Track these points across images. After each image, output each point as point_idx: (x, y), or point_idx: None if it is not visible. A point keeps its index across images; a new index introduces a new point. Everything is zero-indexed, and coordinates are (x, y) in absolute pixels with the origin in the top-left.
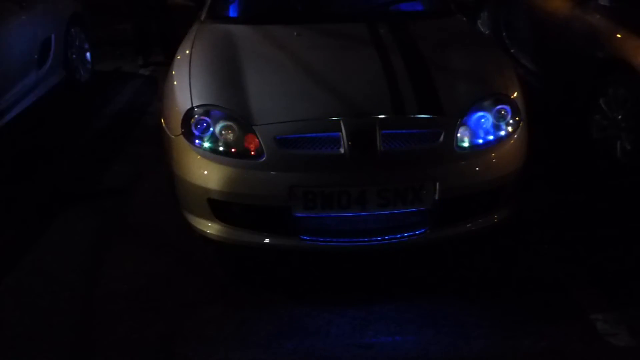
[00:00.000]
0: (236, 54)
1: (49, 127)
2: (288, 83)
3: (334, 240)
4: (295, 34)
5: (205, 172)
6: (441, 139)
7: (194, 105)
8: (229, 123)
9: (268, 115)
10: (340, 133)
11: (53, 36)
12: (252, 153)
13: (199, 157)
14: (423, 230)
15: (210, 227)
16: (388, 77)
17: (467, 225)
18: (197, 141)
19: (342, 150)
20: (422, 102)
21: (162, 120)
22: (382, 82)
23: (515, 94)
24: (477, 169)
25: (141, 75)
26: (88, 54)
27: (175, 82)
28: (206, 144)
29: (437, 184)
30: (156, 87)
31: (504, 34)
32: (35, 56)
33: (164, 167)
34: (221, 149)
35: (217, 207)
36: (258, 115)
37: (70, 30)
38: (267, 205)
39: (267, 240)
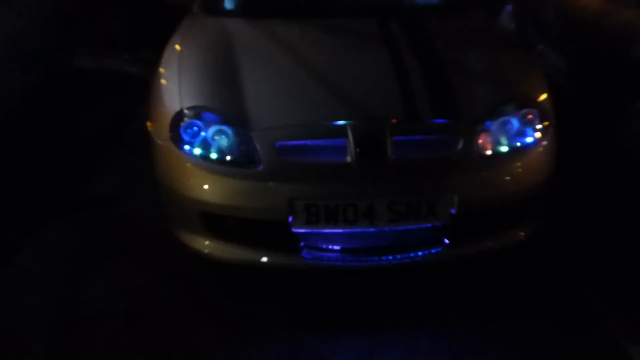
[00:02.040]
0: (231, 50)
1: (27, 131)
2: (289, 84)
3: (339, 259)
4: (297, 29)
5: (196, 182)
6: (459, 146)
7: (183, 107)
8: (222, 127)
9: (266, 119)
10: (346, 139)
11: (29, 29)
12: (249, 161)
13: (188, 165)
14: (439, 248)
15: (202, 244)
16: (400, 77)
17: (489, 243)
18: (186, 147)
19: (348, 159)
20: (438, 106)
21: (148, 123)
22: (394, 83)
23: (543, 97)
24: (500, 180)
25: (128, 73)
26: (68, 49)
27: (162, 81)
28: (197, 151)
29: (455, 197)
30: (145, 86)
31: (530, 29)
32: (9, 51)
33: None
34: (214, 156)
35: (210, 221)
36: (255, 119)
37: (48, 23)
38: (265, 220)
39: (264, 259)
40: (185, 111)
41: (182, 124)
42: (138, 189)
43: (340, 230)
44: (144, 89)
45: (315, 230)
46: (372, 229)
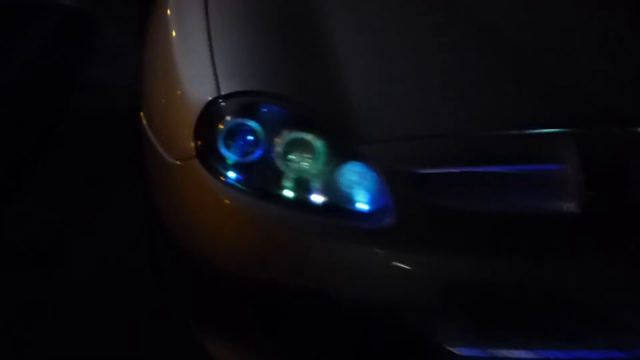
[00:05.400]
0: None
1: None
2: (426, 58)
3: None
4: None
5: (250, 242)
6: None
7: (222, 93)
8: (304, 136)
9: (390, 122)
10: (566, 164)
11: None
12: (359, 206)
13: (232, 207)
14: None
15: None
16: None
17: None
18: (230, 173)
19: (572, 205)
20: None
21: (144, 121)
22: (628, 59)
23: None
24: None
25: (63, 6)
26: None
27: (174, 41)
28: (254, 180)
29: None
30: (91, 27)
31: None
32: None
33: (142, 219)
34: (286, 194)
35: (277, 321)
36: (367, 121)
37: None
38: (390, 324)
39: None
40: (225, 103)
41: (222, 127)
42: (79, 236)
43: (555, 355)
44: (89, 33)
45: (497, 354)
46: (620, 354)
